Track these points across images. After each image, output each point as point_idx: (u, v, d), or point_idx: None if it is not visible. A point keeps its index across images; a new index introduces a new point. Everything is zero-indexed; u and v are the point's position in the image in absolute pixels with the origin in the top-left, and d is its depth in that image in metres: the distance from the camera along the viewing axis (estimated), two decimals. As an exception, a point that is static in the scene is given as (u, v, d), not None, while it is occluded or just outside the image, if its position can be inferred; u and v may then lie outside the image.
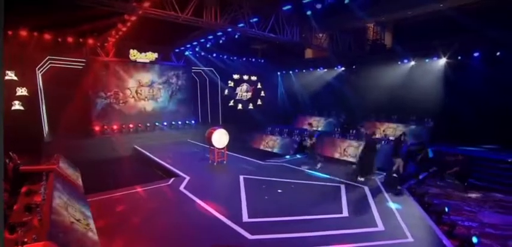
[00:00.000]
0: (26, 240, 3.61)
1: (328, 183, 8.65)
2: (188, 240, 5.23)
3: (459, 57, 12.59)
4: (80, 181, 8.92)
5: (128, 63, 15.54)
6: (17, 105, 12.60)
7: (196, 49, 17.22)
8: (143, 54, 15.99)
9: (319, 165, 10.52)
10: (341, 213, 6.47)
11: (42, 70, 13.30)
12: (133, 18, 10.86)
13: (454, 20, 12.07)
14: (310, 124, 11.53)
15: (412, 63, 14.04)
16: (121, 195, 7.48)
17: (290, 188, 8.17)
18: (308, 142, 11.09)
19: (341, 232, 5.54)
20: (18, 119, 12.31)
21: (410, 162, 9.99)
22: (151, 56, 16.27)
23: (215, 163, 10.67)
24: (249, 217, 6.14)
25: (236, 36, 13.58)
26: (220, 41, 14.80)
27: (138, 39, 15.12)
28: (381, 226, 5.82)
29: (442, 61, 13.09)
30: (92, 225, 5.48)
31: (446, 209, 6.82)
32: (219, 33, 13.68)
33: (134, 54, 15.68)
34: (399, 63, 14.46)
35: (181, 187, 7.98)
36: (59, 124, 13.48)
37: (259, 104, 21.82)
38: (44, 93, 13.46)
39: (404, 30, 15.31)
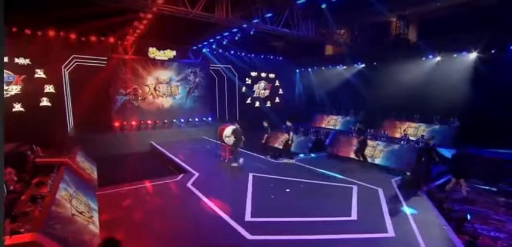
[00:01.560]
0: (22, 230, 3.71)
1: (340, 184, 8.26)
2: (185, 237, 5.17)
3: (493, 51, 11.56)
4: (94, 175, 9.29)
5: (147, 61, 15.94)
6: (45, 102, 13.37)
7: (214, 46, 17.32)
8: (162, 51, 16.32)
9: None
10: (349, 215, 6.12)
11: (68, 68, 14.00)
12: (149, 15, 11.13)
13: (487, 11, 11.10)
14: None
15: (438, 58, 13.12)
16: (130, 189, 7.62)
17: (299, 188, 7.90)
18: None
19: (346, 237, 5.22)
20: (45, 114, 13.09)
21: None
22: (169, 53, 16.56)
23: (226, 161, 10.61)
24: (251, 217, 5.99)
25: (251, 33, 13.43)
26: (236, 38, 14.75)
27: (157, 38, 15.48)
28: (391, 232, 5.40)
29: (473, 55, 12.10)
30: (96, 218, 5.61)
31: (468, 216, 6.24)
32: (235, 30, 13.63)
33: (153, 52, 16.05)
34: (423, 59, 13.57)
35: (189, 184, 7.99)
36: (82, 120, 14.18)
37: (277, 102, 21.58)
38: (70, 90, 14.16)
39: (431, 23, 14.30)
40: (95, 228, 5.17)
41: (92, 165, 10.04)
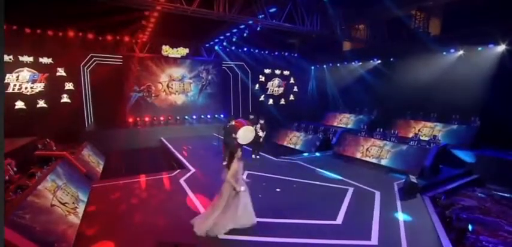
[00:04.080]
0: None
1: (336, 185, 7.86)
2: (157, 231, 5.17)
3: (524, 43, 10.36)
4: (99, 168, 9.70)
5: (160, 59, 16.40)
6: (65, 98, 14.27)
7: (225, 44, 17.37)
8: (175, 49, 16.72)
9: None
10: (334, 219, 5.78)
11: (87, 66, 14.81)
12: (155, 14, 11.41)
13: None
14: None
15: (460, 52, 12.02)
16: (125, 182, 7.84)
17: (291, 188, 7.65)
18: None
19: (322, 242, 4.91)
20: (65, 110, 14.00)
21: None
22: (182, 51, 16.91)
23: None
24: (231, 215, 5.87)
25: (258, 29, 13.24)
26: (245, 34, 14.63)
27: (169, 36, 15.91)
28: (374, 240, 5.01)
29: (500, 48, 10.95)
30: (80, 209, 5.83)
31: (470, 227, 5.61)
32: (242, 26, 13.54)
33: (166, 50, 16.50)
34: (444, 53, 12.50)
35: (182, 179, 8.06)
36: (99, 115, 15.00)
37: (291, 99, 21.23)
38: (88, 87, 14.98)
39: (454, 15, 13.10)
40: (75, 218, 5.37)
41: (99, 158, 10.52)
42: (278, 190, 7.43)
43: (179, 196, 6.90)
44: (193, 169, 9.06)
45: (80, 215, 5.63)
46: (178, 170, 9.08)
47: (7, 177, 5.94)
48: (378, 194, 7.15)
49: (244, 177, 8.37)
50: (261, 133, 10.54)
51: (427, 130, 11.48)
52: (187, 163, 9.65)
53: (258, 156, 10.68)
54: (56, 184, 5.76)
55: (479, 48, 11.53)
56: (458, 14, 12.70)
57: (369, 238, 5.06)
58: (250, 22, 11.66)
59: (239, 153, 5.27)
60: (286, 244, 4.83)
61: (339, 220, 5.76)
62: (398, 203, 6.65)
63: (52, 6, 10.16)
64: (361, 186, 7.73)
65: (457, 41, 12.05)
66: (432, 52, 12.66)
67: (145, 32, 14.30)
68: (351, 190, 7.41)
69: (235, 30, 14.31)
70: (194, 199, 6.64)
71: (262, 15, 11.31)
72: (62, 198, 5.51)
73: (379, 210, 6.25)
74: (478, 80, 10.94)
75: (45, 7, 10.22)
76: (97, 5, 8.54)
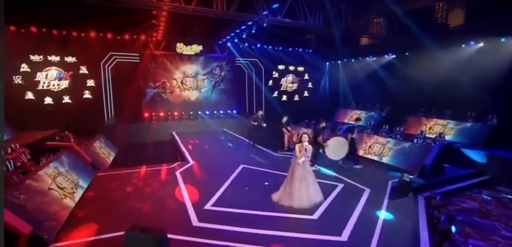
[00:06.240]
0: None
1: (326, 181, 7.76)
2: (139, 217, 5.53)
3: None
4: (109, 159, 10.44)
5: (175, 56, 17.09)
6: (87, 94, 15.45)
7: (236, 40, 17.59)
8: (189, 47, 17.32)
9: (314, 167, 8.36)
10: (312, 215, 5.79)
11: (107, 64, 15.87)
12: (164, 13, 11.94)
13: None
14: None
15: (480, 45, 11.16)
16: (126, 172, 8.40)
17: (279, 182, 7.69)
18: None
19: (292, 235, 4.98)
20: (86, 105, 15.17)
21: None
22: (196, 48, 17.47)
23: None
24: (212, 206, 6.12)
25: (264, 25, 13.30)
26: (253, 31, 14.73)
27: (183, 34, 16.52)
28: (344, 237, 4.97)
29: (526, 38, 10.01)
30: (77, 194, 6.40)
31: (453, 229, 5.33)
32: (250, 23, 13.68)
33: (181, 47, 17.14)
34: (463, 46, 11.68)
35: (178, 171, 8.46)
36: (117, 110, 16.03)
37: (305, 96, 21.01)
38: (109, 84, 16.05)
39: (479, 4, 12.15)
40: (71, 202, 5.93)
41: (111, 150, 11.32)
42: (266, 184, 7.53)
43: (171, 186, 7.28)
44: (191, 162, 9.44)
45: (76, 199, 6.20)
46: (178, 162, 9.52)
47: (19, 164, 6.70)
48: (367, 192, 7.00)
49: (238, 170, 8.65)
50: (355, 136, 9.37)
51: (438, 127, 10.83)
52: (188, 156, 10.07)
53: (358, 165, 9.04)
54: (57, 170, 6.38)
55: (503, 40, 10.64)
56: (483, 3, 11.79)
57: (339, 235, 5.03)
58: (256, 19, 11.79)
59: (304, 138, 6.18)
60: (258, 235, 4.94)
61: (316, 215, 5.77)
62: (386, 201, 6.47)
63: (52, 5, 10.88)
64: (352, 183, 7.61)
65: (477, 33, 11.22)
66: (450, 45, 11.91)
67: (158, 31, 14.97)
68: (340, 187, 7.32)
69: (243, 27, 14.47)
70: (183, 190, 6.98)
71: (266, 12, 11.41)
72: (60, 183, 6.11)
73: (361, 207, 6.14)
74: (499, 75, 10.15)
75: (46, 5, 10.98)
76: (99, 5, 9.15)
